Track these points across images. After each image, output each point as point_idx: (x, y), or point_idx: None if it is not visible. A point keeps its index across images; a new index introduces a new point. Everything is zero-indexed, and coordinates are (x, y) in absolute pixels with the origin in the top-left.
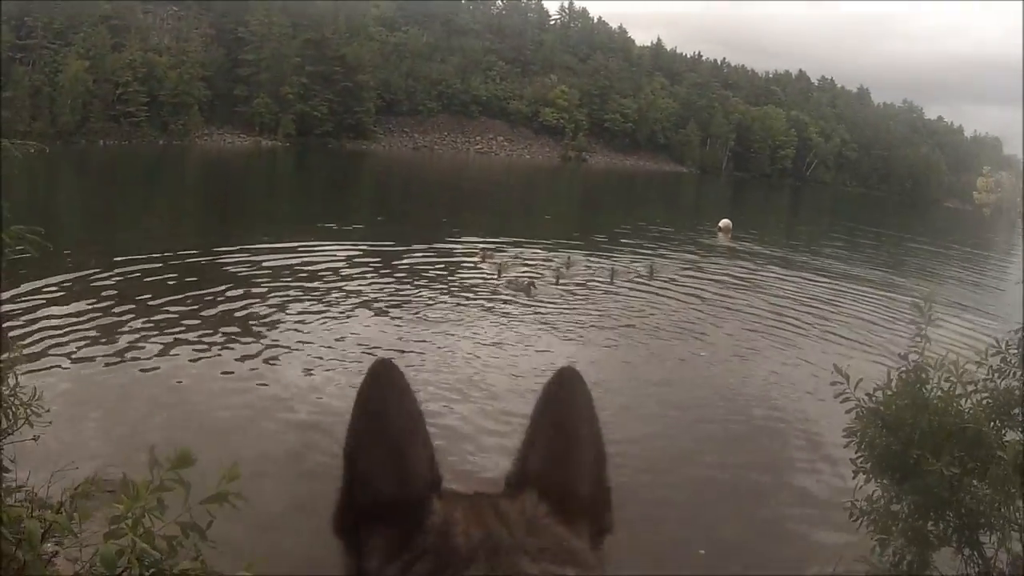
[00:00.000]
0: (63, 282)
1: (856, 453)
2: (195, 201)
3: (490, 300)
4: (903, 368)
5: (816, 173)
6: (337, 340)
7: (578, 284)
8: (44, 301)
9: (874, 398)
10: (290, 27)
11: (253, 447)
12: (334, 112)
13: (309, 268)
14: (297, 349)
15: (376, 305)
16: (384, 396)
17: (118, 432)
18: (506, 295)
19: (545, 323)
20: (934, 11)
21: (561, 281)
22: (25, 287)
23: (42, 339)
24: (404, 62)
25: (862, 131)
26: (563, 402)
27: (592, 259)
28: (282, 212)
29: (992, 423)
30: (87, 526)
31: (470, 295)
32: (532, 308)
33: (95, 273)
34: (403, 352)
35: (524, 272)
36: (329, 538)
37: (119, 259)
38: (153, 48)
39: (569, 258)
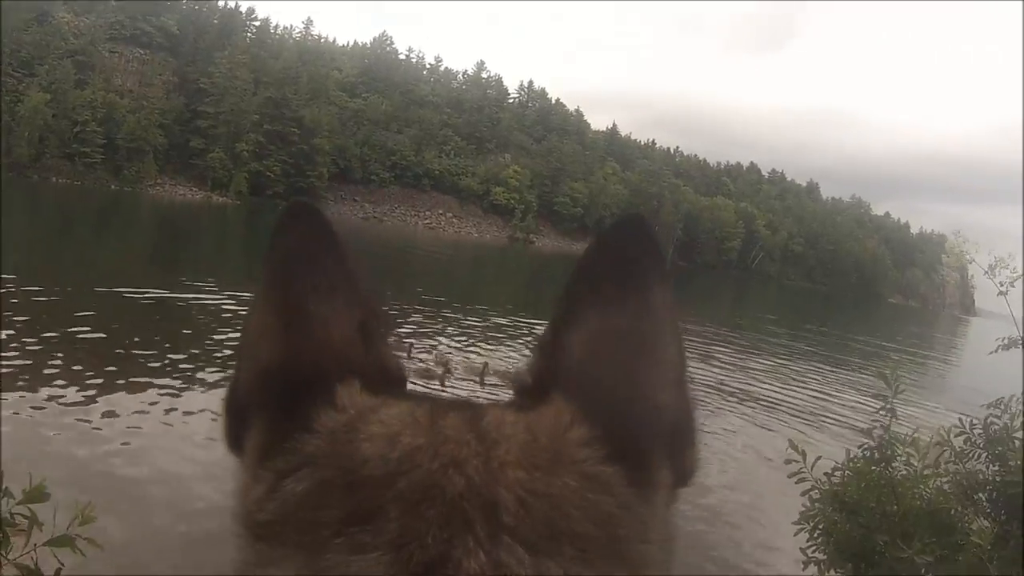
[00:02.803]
0: (5, 316)
1: (808, 541)
2: (145, 248)
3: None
4: (865, 446)
5: (762, 265)
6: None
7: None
8: None
9: (832, 479)
10: (252, 83)
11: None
12: (287, 174)
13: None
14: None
15: None
16: (294, 242)
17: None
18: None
19: None
20: (887, 108)
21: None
22: None
23: None
24: (361, 129)
25: (809, 225)
26: (635, 259)
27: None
28: (231, 267)
29: (954, 510)
30: None
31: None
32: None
33: (41, 312)
34: None
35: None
36: None
37: (63, 295)
38: (115, 89)
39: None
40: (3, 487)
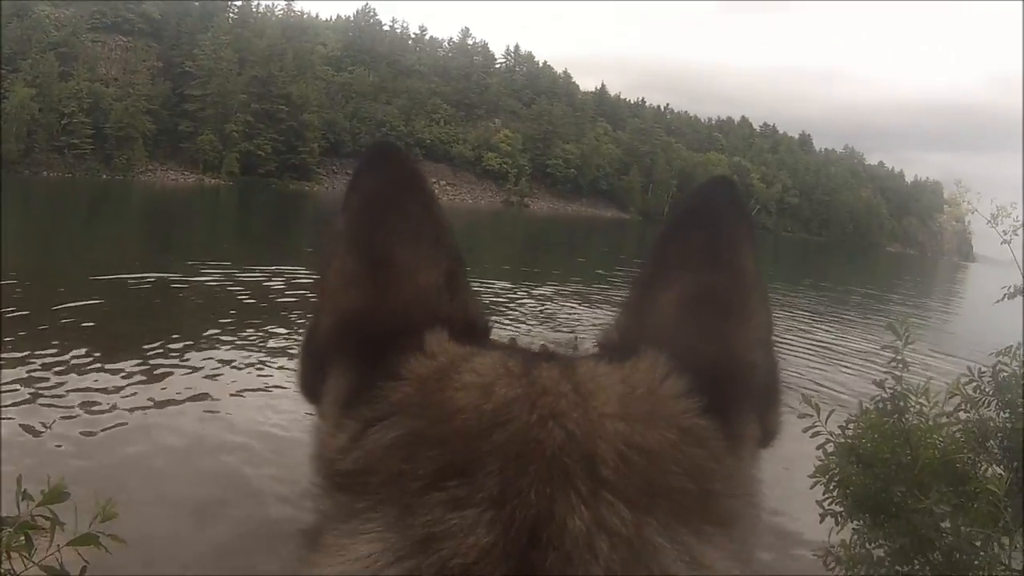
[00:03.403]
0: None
1: (824, 494)
2: (139, 234)
3: None
4: (878, 397)
5: (759, 218)
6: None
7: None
8: None
9: (846, 431)
10: (237, 63)
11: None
12: (278, 152)
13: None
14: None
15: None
16: (377, 184)
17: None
18: None
19: None
20: (877, 59)
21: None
22: None
23: None
24: (349, 103)
25: (803, 177)
26: (725, 222)
27: (536, 304)
28: (229, 249)
29: (967, 457)
30: None
31: None
32: None
33: (36, 303)
34: None
35: None
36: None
37: (62, 288)
38: (100, 79)
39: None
40: (22, 490)
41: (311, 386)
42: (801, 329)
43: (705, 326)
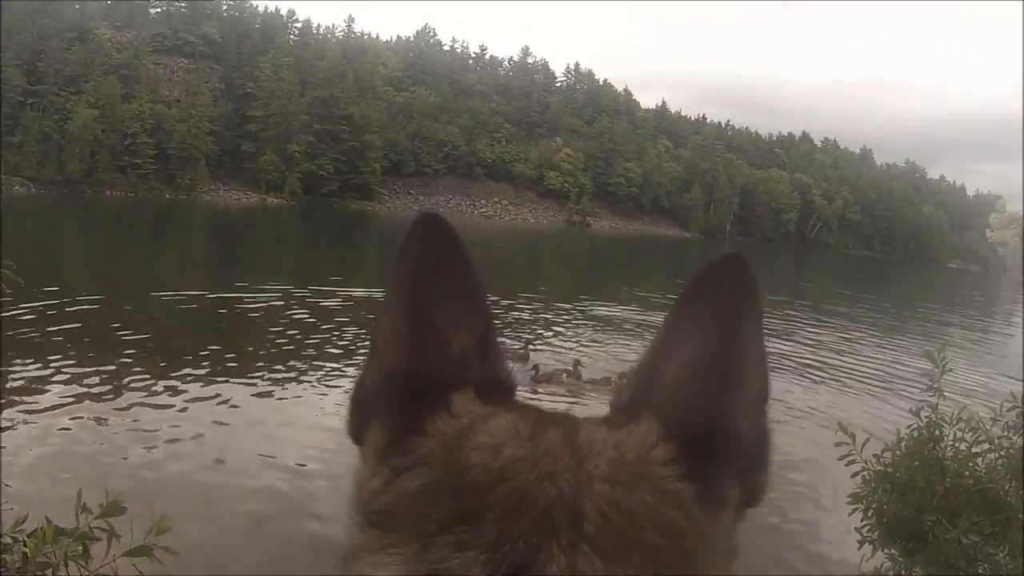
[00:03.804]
0: (62, 324)
1: (862, 521)
2: (203, 253)
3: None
4: (914, 426)
5: (820, 236)
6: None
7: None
8: (43, 339)
9: (882, 459)
10: (298, 84)
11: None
12: (340, 172)
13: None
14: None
15: None
16: (422, 253)
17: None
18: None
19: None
20: (934, 71)
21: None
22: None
23: (34, 379)
24: (411, 123)
25: (865, 192)
26: (726, 293)
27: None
28: (291, 268)
29: (1009, 485)
30: None
31: None
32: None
33: (97, 319)
34: None
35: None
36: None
37: (123, 302)
38: (162, 100)
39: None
40: (82, 503)
41: (356, 432)
42: (849, 353)
43: (699, 395)
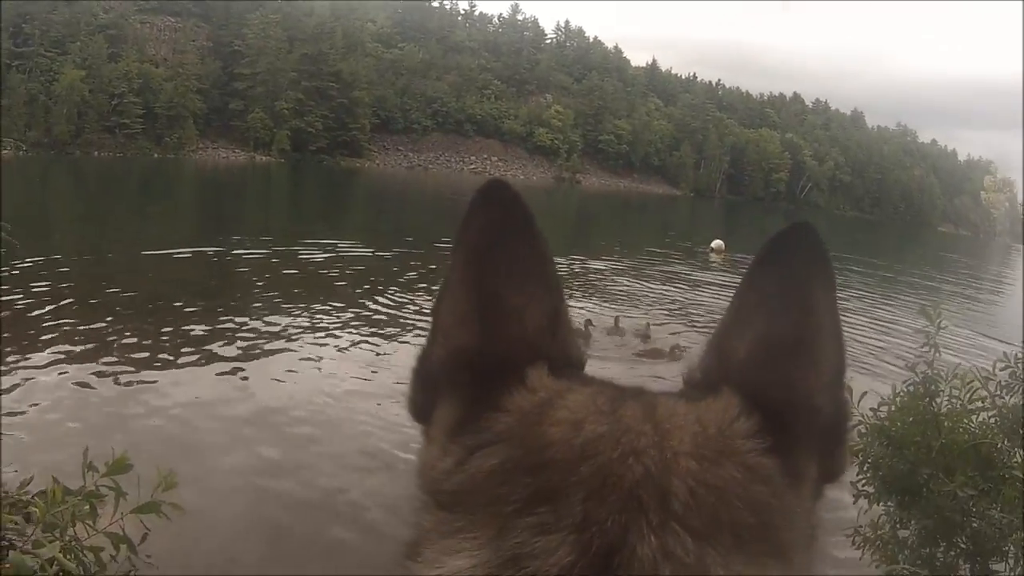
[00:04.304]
0: (54, 285)
1: (858, 475)
2: (192, 212)
3: None
4: (910, 381)
5: (810, 196)
6: (340, 351)
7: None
8: (34, 300)
9: (879, 413)
10: (286, 41)
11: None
12: (329, 128)
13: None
14: (301, 359)
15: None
16: (488, 224)
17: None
18: None
19: None
20: (929, 36)
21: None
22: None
23: (28, 340)
24: (400, 79)
25: (856, 154)
26: (800, 267)
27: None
28: (281, 225)
29: (1001, 443)
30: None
31: None
32: None
33: (88, 279)
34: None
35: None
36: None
37: (115, 264)
38: (149, 59)
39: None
40: (88, 462)
41: (421, 409)
42: (847, 308)
43: (775, 370)
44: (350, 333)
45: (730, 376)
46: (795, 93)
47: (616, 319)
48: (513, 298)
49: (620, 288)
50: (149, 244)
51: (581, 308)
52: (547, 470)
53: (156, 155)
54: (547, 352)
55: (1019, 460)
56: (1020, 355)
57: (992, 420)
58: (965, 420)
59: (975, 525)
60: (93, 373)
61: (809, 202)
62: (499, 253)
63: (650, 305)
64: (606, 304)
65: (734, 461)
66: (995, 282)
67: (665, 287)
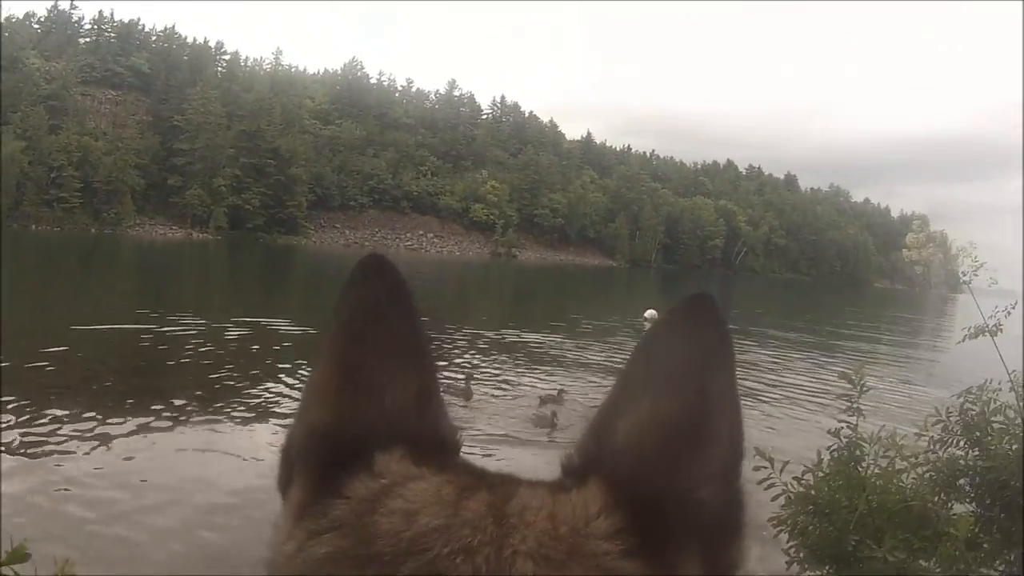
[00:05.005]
0: None
1: (788, 542)
2: (128, 289)
3: None
4: (834, 446)
5: (746, 261)
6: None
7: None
8: None
9: (803, 481)
10: (226, 117)
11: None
12: (266, 206)
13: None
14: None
15: None
16: (362, 299)
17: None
18: None
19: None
20: (857, 97)
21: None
22: None
23: None
24: (337, 156)
25: (790, 217)
26: (693, 342)
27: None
28: (217, 302)
29: (938, 497)
30: None
31: None
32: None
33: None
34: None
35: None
36: None
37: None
38: (90, 132)
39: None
40: None
41: (281, 487)
42: (772, 375)
43: (654, 457)
44: (271, 407)
45: (602, 463)
46: (728, 160)
47: (559, 392)
48: (375, 376)
49: (556, 359)
50: (82, 320)
51: (527, 379)
52: (373, 563)
53: (94, 230)
54: (409, 434)
55: (956, 516)
56: (951, 410)
57: (928, 475)
58: (895, 480)
59: None
60: (17, 453)
61: (745, 267)
62: (369, 328)
63: (582, 374)
64: (545, 376)
65: (585, 564)
66: (933, 334)
67: (598, 356)
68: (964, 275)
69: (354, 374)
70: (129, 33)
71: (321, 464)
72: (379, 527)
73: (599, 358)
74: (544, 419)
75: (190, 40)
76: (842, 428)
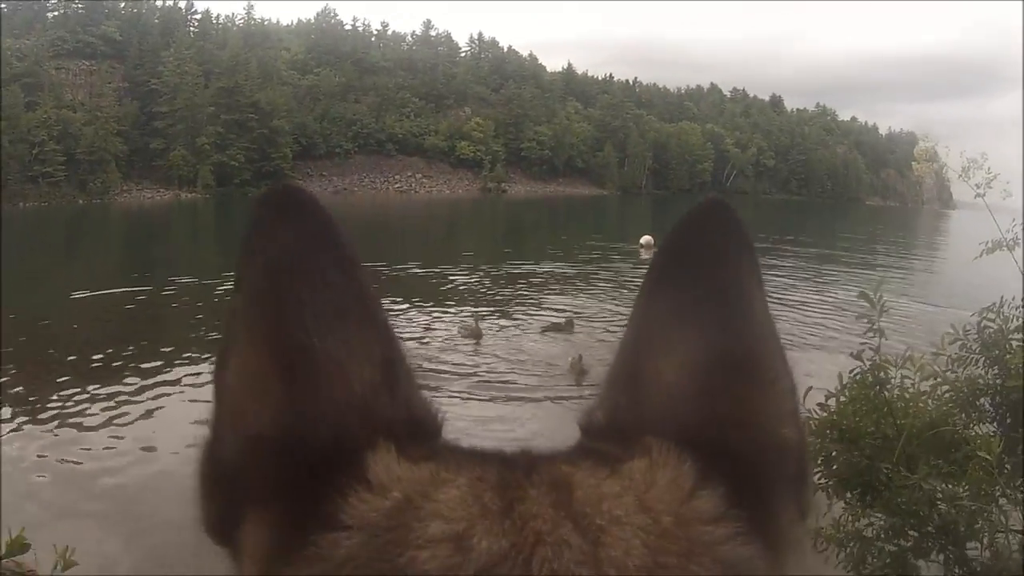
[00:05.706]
0: None
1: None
2: (120, 256)
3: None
4: (856, 369)
5: (736, 183)
6: None
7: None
8: None
9: (827, 407)
10: (202, 76)
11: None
12: (251, 160)
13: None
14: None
15: None
16: (281, 251)
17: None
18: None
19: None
20: (842, 15)
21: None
22: None
23: None
24: (318, 104)
25: (778, 138)
26: (723, 257)
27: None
28: (209, 261)
29: (960, 417)
30: None
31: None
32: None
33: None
34: None
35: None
36: None
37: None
38: (67, 105)
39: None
40: None
41: (217, 528)
42: (779, 302)
43: (723, 402)
44: None
45: (655, 417)
46: (712, 84)
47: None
48: (328, 351)
49: (553, 296)
50: (79, 287)
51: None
52: None
53: (81, 201)
54: (388, 420)
55: (978, 435)
56: (969, 327)
57: (947, 395)
58: (920, 403)
59: (943, 511)
60: (19, 427)
61: (736, 189)
62: (300, 288)
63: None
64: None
65: (704, 563)
66: (929, 249)
67: (596, 287)
68: (978, 187)
69: (298, 354)
70: (97, 2)
71: (288, 485)
72: (422, 565)
73: (603, 285)
74: (473, 330)
75: (159, 3)
76: (863, 350)
